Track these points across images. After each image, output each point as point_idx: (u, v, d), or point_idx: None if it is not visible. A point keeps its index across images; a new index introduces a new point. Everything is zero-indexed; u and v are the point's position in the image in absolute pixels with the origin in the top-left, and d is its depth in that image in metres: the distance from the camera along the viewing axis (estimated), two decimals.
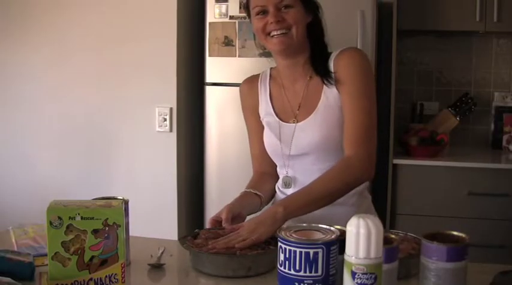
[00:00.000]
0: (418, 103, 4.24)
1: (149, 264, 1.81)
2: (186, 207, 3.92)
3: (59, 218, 1.38)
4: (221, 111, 3.77)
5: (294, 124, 2.13)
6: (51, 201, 1.45)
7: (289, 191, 2.17)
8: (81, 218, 1.38)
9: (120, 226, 1.40)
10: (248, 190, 2.22)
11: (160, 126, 3.76)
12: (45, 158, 4.02)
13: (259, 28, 2.05)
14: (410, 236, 1.88)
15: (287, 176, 2.19)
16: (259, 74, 2.29)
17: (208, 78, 3.77)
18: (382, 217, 3.68)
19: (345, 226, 1.34)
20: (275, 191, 2.30)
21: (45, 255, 1.72)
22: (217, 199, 3.76)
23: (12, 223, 3.86)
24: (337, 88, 2.04)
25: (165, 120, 3.73)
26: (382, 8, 3.81)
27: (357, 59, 2.06)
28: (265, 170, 2.30)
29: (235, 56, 3.69)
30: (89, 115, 3.91)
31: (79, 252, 1.39)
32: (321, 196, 1.94)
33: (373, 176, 2.01)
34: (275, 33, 2.03)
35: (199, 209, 3.88)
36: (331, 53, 2.12)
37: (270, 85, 2.23)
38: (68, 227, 1.38)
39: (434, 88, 4.34)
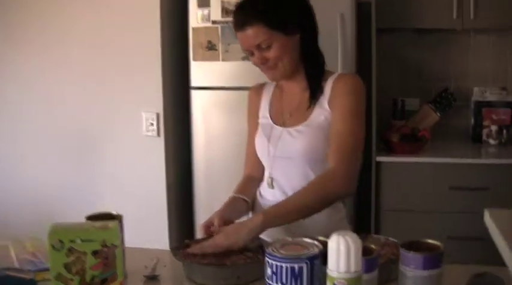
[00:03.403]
0: (399, 99, 4.33)
1: (144, 276, 1.90)
2: (176, 211, 3.99)
3: (60, 241, 1.46)
4: (207, 114, 3.86)
5: (283, 128, 2.24)
6: (51, 224, 1.53)
7: (271, 192, 2.28)
8: (81, 240, 1.47)
9: (117, 247, 1.49)
10: (236, 195, 2.31)
11: (148, 131, 3.83)
12: (33, 164, 4.07)
13: (253, 63, 2.19)
14: (391, 241, 1.97)
15: (270, 177, 2.29)
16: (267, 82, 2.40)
17: (194, 82, 3.85)
18: (367, 213, 3.81)
19: (320, 235, 1.56)
20: None
21: (45, 270, 1.81)
22: (206, 201, 3.85)
23: (1, 228, 3.92)
24: (329, 106, 2.15)
25: (152, 124, 3.81)
26: (361, 6, 3.90)
27: (352, 85, 2.17)
28: (256, 174, 2.39)
29: (219, 60, 3.77)
30: (76, 122, 3.96)
31: (81, 273, 1.48)
32: (299, 208, 2.03)
33: (352, 192, 2.10)
34: (265, 69, 2.17)
35: (189, 213, 3.96)
36: (329, 72, 2.23)
37: (273, 91, 2.36)
38: (69, 249, 1.47)
39: (415, 84, 4.43)
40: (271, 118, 2.30)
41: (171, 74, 3.91)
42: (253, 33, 2.08)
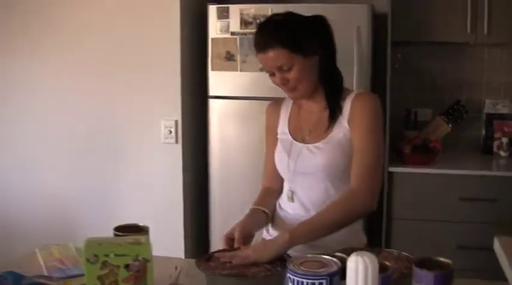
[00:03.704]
0: (413, 110, 4.39)
1: None
2: (192, 217, 4.06)
3: (95, 255, 1.56)
4: (224, 122, 3.95)
5: (303, 144, 2.31)
6: (86, 239, 1.63)
7: (291, 205, 2.36)
8: (115, 255, 1.57)
9: (148, 261, 1.59)
10: (256, 207, 2.40)
11: (166, 138, 3.90)
12: (52, 171, 4.13)
13: (274, 83, 2.26)
14: (404, 255, 2.03)
15: (290, 190, 2.37)
16: (285, 98, 2.46)
17: (211, 92, 3.94)
18: (378, 222, 3.88)
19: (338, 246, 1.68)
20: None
21: (74, 277, 1.91)
22: (222, 207, 3.95)
23: (23, 234, 4.00)
24: (349, 125, 2.23)
25: (171, 132, 3.89)
26: (377, 18, 3.98)
27: (370, 104, 2.25)
28: (274, 186, 2.47)
29: (237, 70, 3.86)
30: (96, 129, 4.03)
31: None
32: (325, 226, 2.12)
33: (374, 208, 2.18)
34: (285, 89, 2.25)
35: (205, 219, 4.05)
36: (347, 91, 2.31)
37: (291, 107, 2.43)
38: (103, 263, 1.56)
39: (428, 96, 4.49)
40: (291, 134, 2.38)
41: (190, 83, 3.98)
42: (274, 56, 2.16)
